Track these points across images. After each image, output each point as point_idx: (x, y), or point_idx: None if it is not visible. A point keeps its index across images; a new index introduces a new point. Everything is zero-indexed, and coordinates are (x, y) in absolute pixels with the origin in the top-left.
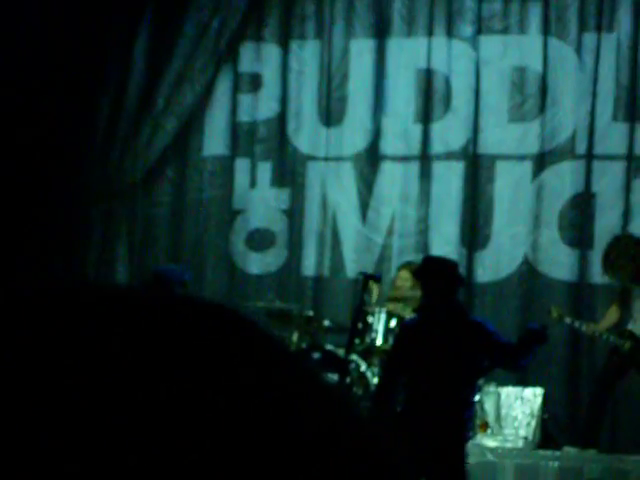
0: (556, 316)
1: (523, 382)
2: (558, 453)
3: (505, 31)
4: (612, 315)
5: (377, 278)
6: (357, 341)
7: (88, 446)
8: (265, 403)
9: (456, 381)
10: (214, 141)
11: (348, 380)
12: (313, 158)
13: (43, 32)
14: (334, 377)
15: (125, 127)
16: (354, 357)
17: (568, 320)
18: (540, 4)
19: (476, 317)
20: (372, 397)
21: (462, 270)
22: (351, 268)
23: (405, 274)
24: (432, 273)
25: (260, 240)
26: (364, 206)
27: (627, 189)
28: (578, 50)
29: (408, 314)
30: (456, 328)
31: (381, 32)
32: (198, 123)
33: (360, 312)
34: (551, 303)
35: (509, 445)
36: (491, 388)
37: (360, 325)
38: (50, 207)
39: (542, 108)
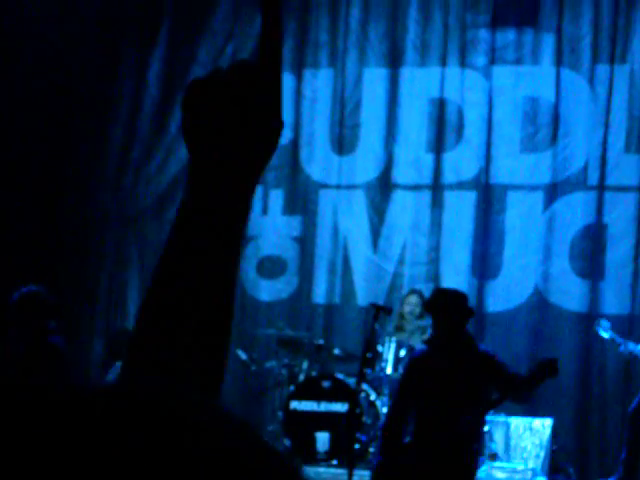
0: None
1: (532, 413)
2: None
3: (518, 61)
4: None
5: (388, 310)
6: (367, 370)
7: None
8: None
9: (465, 413)
10: None
11: (358, 410)
12: (325, 186)
13: (56, 57)
14: (344, 406)
15: (138, 153)
16: (364, 386)
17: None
18: (553, 35)
19: (486, 348)
20: (381, 427)
21: (472, 300)
22: (362, 296)
23: (414, 299)
24: (442, 305)
25: (271, 267)
26: (375, 234)
27: (639, 220)
28: (591, 81)
29: (415, 343)
30: (465, 360)
31: (394, 61)
32: None
33: (370, 342)
34: (561, 333)
35: (518, 476)
36: (500, 419)
37: (370, 354)
38: (62, 232)
39: (554, 138)
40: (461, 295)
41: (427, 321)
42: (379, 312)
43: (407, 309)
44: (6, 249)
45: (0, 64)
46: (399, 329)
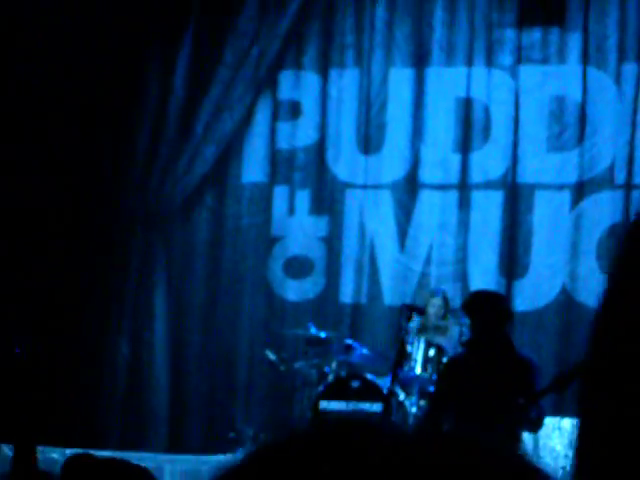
0: None
1: (561, 412)
2: None
3: (544, 61)
4: None
5: (421, 310)
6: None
7: None
8: None
9: (504, 415)
10: (253, 168)
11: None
12: (351, 186)
13: (82, 58)
14: (376, 406)
15: (164, 154)
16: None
17: None
18: (580, 34)
19: (528, 355)
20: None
21: None
22: (389, 296)
23: (438, 301)
24: (479, 307)
25: (298, 267)
26: (402, 234)
27: None
28: (617, 80)
29: (440, 342)
30: (504, 363)
31: (420, 61)
32: (237, 150)
33: (402, 342)
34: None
35: None
36: None
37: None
38: (89, 234)
39: (581, 138)
40: (498, 297)
41: (448, 321)
42: (412, 312)
43: (432, 309)
44: (33, 250)
45: (25, 66)
46: (422, 329)
